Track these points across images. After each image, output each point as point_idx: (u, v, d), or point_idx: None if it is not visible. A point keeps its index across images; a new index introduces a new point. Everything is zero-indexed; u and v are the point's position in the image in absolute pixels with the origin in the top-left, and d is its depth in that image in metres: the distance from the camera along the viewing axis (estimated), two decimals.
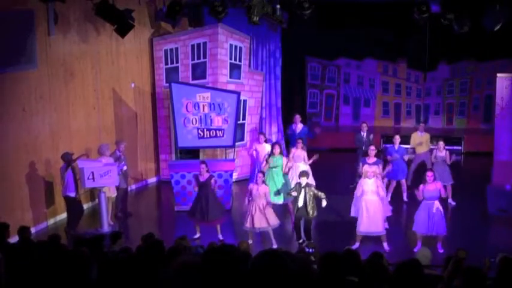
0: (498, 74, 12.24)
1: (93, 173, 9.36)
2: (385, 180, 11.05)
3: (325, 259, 4.01)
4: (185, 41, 13.27)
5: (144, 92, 13.48)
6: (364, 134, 12.28)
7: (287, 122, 14.14)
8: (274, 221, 9.01)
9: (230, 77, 13.31)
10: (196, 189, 9.44)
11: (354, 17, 15.22)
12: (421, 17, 10.80)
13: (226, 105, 11.88)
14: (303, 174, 9.04)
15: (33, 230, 8.83)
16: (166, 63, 13.47)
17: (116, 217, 10.69)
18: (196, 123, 11.81)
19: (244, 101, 13.54)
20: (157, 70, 13.58)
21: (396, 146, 11.44)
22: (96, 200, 10.69)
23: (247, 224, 8.96)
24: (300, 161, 10.94)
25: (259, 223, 8.86)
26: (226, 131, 11.92)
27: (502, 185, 10.41)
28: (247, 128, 13.86)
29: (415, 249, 8.45)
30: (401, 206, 11.26)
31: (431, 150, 11.81)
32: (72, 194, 9.60)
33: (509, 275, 4.49)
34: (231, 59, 13.30)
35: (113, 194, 10.35)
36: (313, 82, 18.89)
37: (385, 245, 8.79)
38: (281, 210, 10.39)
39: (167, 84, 12.69)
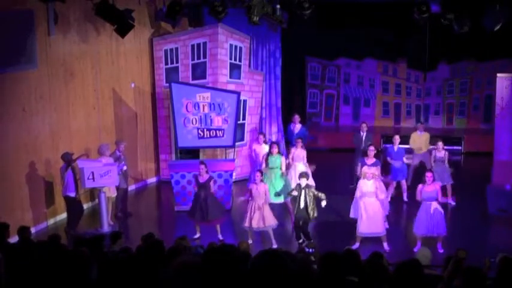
0: (498, 74, 12.23)
1: (93, 173, 9.36)
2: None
3: (325, 259, 4.01)
4: (185, 41, 13.27)
5: (144, 92, 13.48)
6: (363, 134, 12.27)
7: (287, 122, 14.13)
8: (272, 221, 9.01)
9: (230, 77, 13.30)
10: (196, 189, 9.46)
11: (354, 17, 15.21)
12: (421, 17, 10.79)
13: (226, 105, 11.88)
14: (302, 175, 9.04)
15: (33, 230, 8.82)
16: (166, 63, 13.46)
17: (116, 217, 10.69)
18: (196, 123, 11.80)
19: (244, 101, 13.53)
20: (157, 70, 13.57)
21: (396, 147, 11.43)
22: (96, 200, 10.69)
23: (246, 224, 9.01)
24: (300, 161, 10.94)
25: (257, 223, 8.89)
26: (226, 131, 11.92)
27: (502, 185, 10.40)
28: (247, 128, 13.85)
29: (415, 249, 8.46)
30: (402, 206, 11.26)
31: (430, 151, 11.80)
32: (72, 194, 9.61)
33: (509, 275, 4.49)
34: (231, 59, 13.30)
35: (113, 194, 10.35)
36: (313, 82, 18.88)
37: (385, 245, 8.79)
38: (281, 210, 10.39)
39: (167, 84, 12.68)
